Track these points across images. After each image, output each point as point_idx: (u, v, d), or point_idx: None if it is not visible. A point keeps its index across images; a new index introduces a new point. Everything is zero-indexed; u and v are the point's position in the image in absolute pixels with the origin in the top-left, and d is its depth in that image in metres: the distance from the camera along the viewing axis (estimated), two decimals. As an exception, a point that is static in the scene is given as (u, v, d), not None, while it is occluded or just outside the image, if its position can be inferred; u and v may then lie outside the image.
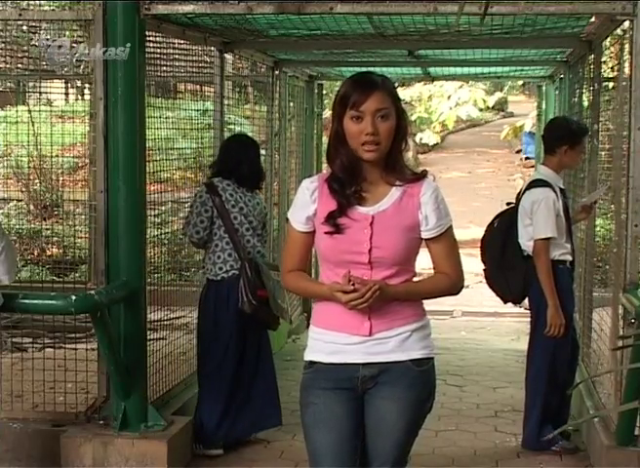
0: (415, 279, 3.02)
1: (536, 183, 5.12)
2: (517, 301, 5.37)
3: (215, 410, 5.10)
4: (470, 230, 13.58)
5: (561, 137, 5.10)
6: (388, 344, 2.93)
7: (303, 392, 3.04)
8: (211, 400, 5.12)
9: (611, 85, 6.45)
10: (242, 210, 5.14)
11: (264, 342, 5.33)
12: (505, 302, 5.40)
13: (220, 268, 5.08)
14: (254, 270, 5.05)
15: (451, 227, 2.99)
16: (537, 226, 4.98)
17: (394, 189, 2.95)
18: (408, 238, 2.92)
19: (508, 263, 5.16)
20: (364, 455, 3.03)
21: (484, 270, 5.35)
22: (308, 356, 3.04)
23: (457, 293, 3.07)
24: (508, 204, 5.36)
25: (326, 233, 2.92)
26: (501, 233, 5.21)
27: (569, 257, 5.10)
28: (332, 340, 2.96)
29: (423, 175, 2.99)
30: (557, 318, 4.94)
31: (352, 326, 2.92)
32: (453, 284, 3.02)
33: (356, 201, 2.92)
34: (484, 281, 5.47)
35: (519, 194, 5.25)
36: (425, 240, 2.97)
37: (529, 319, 5.32)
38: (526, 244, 5.08)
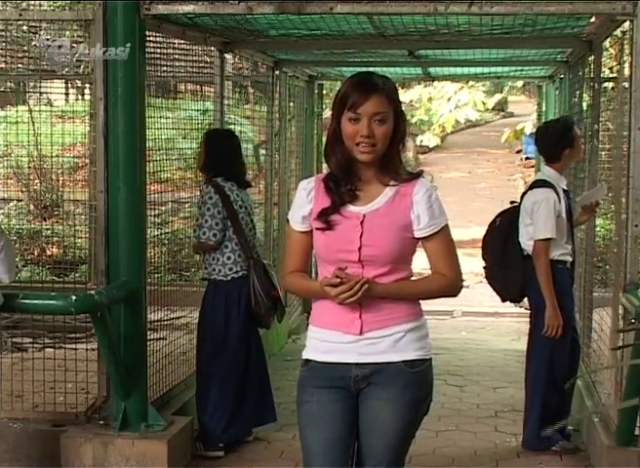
0: (412, 278, 3.01)
1: (538, 184, 5.12)
2: (516, 300, 5.37)
3: (224, 415, 5.07)
4: (470, 230, 13.59)
5: (556, 145, 5.10)
6: (381, 344, 2.93)
7: (299, 390, 3.05)
8: (220, 403, 5.07)
9: (611, 85, 6.45)
10: (246, 209, 5.16)
11: (261, 343, 5.35)
12: (504, 301, 5.41)
13: (231, 269, 5.05)
14: (263, 270, 5.06)
15: (446, 227, 2.98)
16: (536, 227, 4.98)
17: (388, 189, 2.95)
18: (400, 237, 2.92)
19: (508, 262, 5.16)
20: (359, 456, 3.02)
21: (484, 268, 5.35)
22: (304, 354, 3.06)
23: (455, 295, 3.05)
24: (512, 202, 5.36)
25: (318, 229, 2.95)
26: (503, 232, 5.22)
27: (569, 258, 5.10)
28: (326, 339, 2.97)
29: (418, 174, 3.00)
30: (555, 319, 4.94)
31: (344, 324, 2.93)
32: (449, 284, 3.00)
33: (349, 199, 2.94)
34: (484, 281, 5.47)
35: (524, 194, 5.25)
36: (420, 240, 2.96)
37: (529, 319, 5.31)
38: (526, 243, 5.08)
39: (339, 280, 2.83)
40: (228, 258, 5.05)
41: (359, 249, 2.89)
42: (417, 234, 2.94)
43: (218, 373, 5.11)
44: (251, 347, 5.19)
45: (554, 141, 5.12)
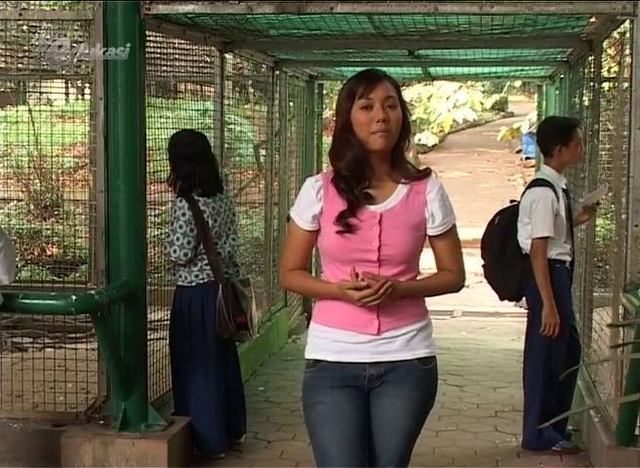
0: (418, 277, 3.03)
1: (537, 182, 5.13)
2: (513, 299, 5.37)
3: (217, 420, 5.01)
4: (472, 229, 13.57)
5: (552, 138, 5.11)
6: (395, 343, 2.94)
7: (308, 391, 3.02)
8: (210, 410, 5.00)
9: (611, 85, 6.45)
10: (223, 219, 5.03)
11: (236, 353, 5.30)
12: (502, 299, 5.39)
13: (197, 276, 4.94)
14: (231, 293, 4.93)
15: (455, 225, 3.02)
16: (534, 225, 4.98)
17: (401, 186, 2.95)
18: (415, 235, 2.94)
19: (507, 261, 5.16)
20: (369, 453, 3.03)
21: (483, 266, 5.34)
22: (312, 354, 3.02)
23: (458, 291, 3.09)
24: (512, 201, 5.36)
25: (337, 232, 2.91)
26: (502, 230, 5.22)
27: (567, 258, 5.10)
28: (338, 339, 2.95)
29: (428, 172, 3.01)
30: (552, 317, 4.94)
31: (360, 324, 2.92)
32: (456, 281, 3.04)
33: (365, 200, 2.92)
34: (484, 281, 5.46)
35: (524, 193, 5.25)
36: (430, 237, 2.98)
37: (526, 318, 5.30)
38: (524, 242, 5.08)
39: (364, 283, 2.81)
40: (195, 265, 4.93)
41: (378, 248, 2.89)
42: (430, 232, 2.96)
43: (197, 380, 5.01)
44: (227, 351, 5.11)
45: (549, 134, 5.15)
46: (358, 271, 2.83)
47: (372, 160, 2.93)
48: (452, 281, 3.03)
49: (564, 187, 5.17)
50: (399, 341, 2.94)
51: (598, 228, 6.43)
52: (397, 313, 2.93)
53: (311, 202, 2.97)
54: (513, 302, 5.73)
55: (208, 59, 7.01)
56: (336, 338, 2.96)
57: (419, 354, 2.97)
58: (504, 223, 5.23)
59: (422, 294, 3.01)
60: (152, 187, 5.45)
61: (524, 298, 5.26)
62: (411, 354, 2.96)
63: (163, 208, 6.46)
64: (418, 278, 3.01)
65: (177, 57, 7.26)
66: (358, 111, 2.89)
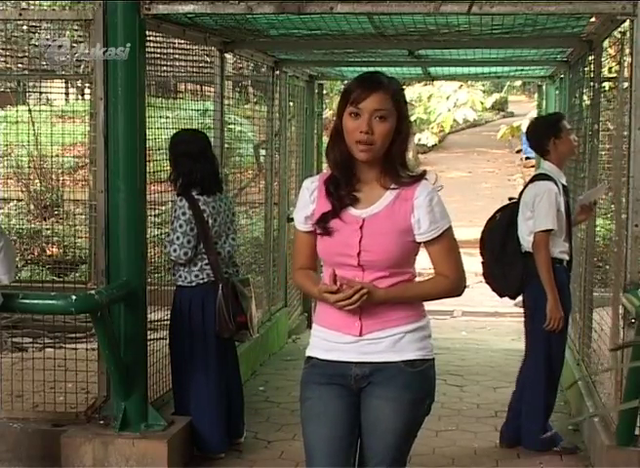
0: (416, 280, 3.01)
1: (539, 177, 5.13)
2: (513, 297, 5.35)
3: (217, 420, 5.01)
4: (473, 230, 13.58)
5: (542, 135, 5.12)
6: (381, 345, 2.94)
7: (301, 387, 3.07)
8: (211, 410, 5.00)
9: (611, 85, 6.45)
10: (223, 219, 5.03)
11: (236, 354, 5.30)
12: (502, 297, 5.38)
13: (197, 276, 4.93)
14: (231, 293, 4.93)
15: (449, 229, 2.96)
16: (538, 218, 4.96)
17: (388, 192, 2.94)
18: (400, 242, 2.91)
19: (507, 258, 5.14)
20: (361, 455, 3.03)
21: (482, 263, 5.31)
22: (307, 352, 3.08)
23: (458, 295, 3.06)
24: (511, 199, 5.36)
25: (319, 234, 2.95)
26: (502, 227, 5.19)
27: (566, 257, 5.08)
28: (327, 338, 2.99)
29: (421, 176, 2.97)
30: (557, 311, 4.92)
31: (344, 325, 2.94)
32: (452, 286, 3.00)
33: (349, 202, 2.93)
34: (484, 280, 5.45)
35: (523, 190, 5.24)
36: (423, 243, 2.96)
37: (524, 317, 5.28)
38: (525, 239, 5.05)
39: (336, 287, 2.83)
40: (195, 265, 4.93)
41: (358, 254, 2.90)
42: (418, 238, 2.94)
43: (198, 380, 5.01)
44: (227, 352, 5.11)
45: (539, 133, 5.16)
46: (338, 274, 2.86)
47: (357, 165, 2.93)
48: (447, 286, 2.99)
49: (564, 184, 5.17)
50: (385, 343, 2.94)
51: (598, 228, 6.43)
52: (383, 315, 2.92)
53: (305, 204, 3.01)
54: (513, 302, 5.72)
55: (208, 59, 7.01)
56: (325, 337, 3.00)
57: (406, 356, 2.94)
58: (505, 220, 5.21)
59: (409, 300, 2.96)
60: (152, 187, 5.45)
61: (520, 296, 5.24)
62: (397, 356, 2.94)
63: (163, 208, 6.46)
64: (415, 281, 3.00)
65: (177, 57, 7.26)
66: (347, 117, 2.89)
